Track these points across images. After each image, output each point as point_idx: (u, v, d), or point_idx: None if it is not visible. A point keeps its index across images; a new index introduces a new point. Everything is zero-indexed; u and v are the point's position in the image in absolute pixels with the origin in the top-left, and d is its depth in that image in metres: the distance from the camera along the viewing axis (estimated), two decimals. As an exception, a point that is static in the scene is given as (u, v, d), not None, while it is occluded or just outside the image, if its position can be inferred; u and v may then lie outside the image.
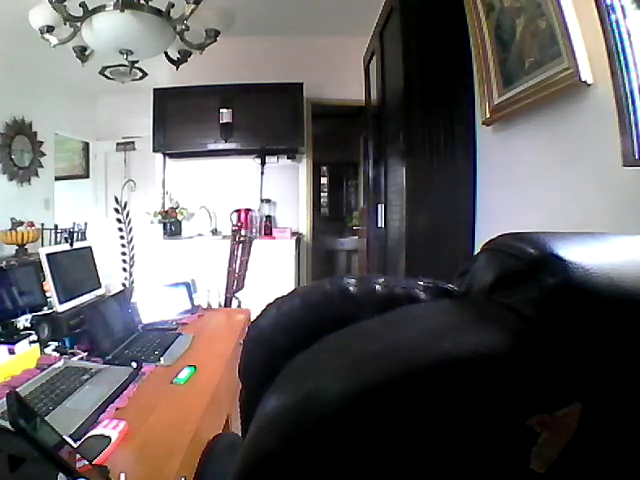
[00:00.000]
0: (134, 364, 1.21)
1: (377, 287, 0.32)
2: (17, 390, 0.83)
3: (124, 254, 2.14)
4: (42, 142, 4.36)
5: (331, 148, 5.67)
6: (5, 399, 0.60)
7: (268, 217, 4.17)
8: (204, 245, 3.89)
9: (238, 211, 4.14)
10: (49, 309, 1.47)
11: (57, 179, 4.83)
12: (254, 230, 4.02)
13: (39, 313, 1.42)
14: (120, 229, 2.15)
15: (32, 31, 1.95)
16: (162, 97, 4.00)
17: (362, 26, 3.02)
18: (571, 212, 1.32)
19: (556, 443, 0.22)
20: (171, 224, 4.09)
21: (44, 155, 4.41)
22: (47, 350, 1.32)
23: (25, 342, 1.25)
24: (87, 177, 5.44)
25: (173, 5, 1.86)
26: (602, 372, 0.22)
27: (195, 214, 4.24)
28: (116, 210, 2.10)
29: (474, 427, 0.22)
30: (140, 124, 4.40)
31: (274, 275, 3.63)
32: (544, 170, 1.48)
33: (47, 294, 1.50)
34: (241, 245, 2.98)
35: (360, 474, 0.23)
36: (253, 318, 0.36)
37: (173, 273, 3.15)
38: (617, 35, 1.03)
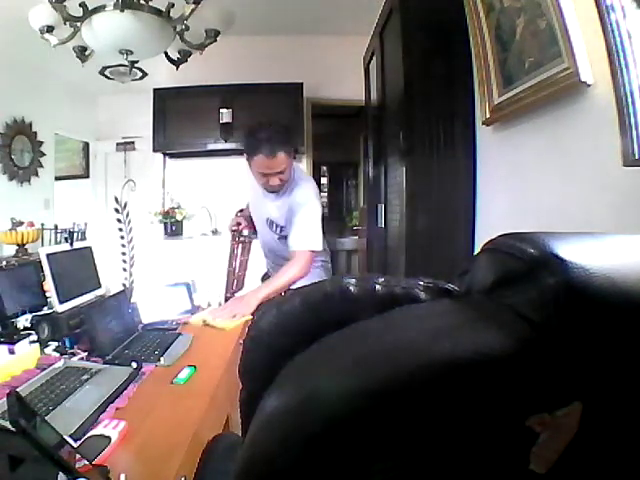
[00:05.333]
0: (134, 364, 1.21)
1: (377, 287, 0.32)
2: (17, 390, 0.83)
3: (124, 254, 2.14)
4: (42, 142, 4.36)
5: (331, 148, 5.67)
6: (5, 399, 0.60)
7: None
8: (204, 245, 3.89)
9: (242, 211, 4.14)
10: (49, 309, 1.47)
11: (57, 179, 4.83)
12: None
13: (39, 313, 1.42)
14: (120, 229, 2.15)
15: (32, 31, 1.95)
16: (162, 97, 4.00)
17: (362, 26, 3.02)
18: (571, 212, 1.32)
19: (556, 443, 0.22)
20: (171, 224, 4.09)
21: (44, 155, 4.41)
22: (47, 350, 1.32)
23: (25, 342, 1.25)
24: (87, 177, 5.44)
25: (173, 5, 1.86)
26: (603, 372, 0.22)
27: (195, 214, 4.24)
28: (116, 210, 2.10)
29: (474, 427, 0.22)
30: (140, 124, 4.39)
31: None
32: (544, 170, 1.48)
33: (47, 294, 1.50)
34: (241, 245, 2.98)
35: (359, 475, 0.23)
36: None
37: (173, 273, 3.15)
38: (617, 35, 1.03)
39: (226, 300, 3.06)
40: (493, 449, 0.23)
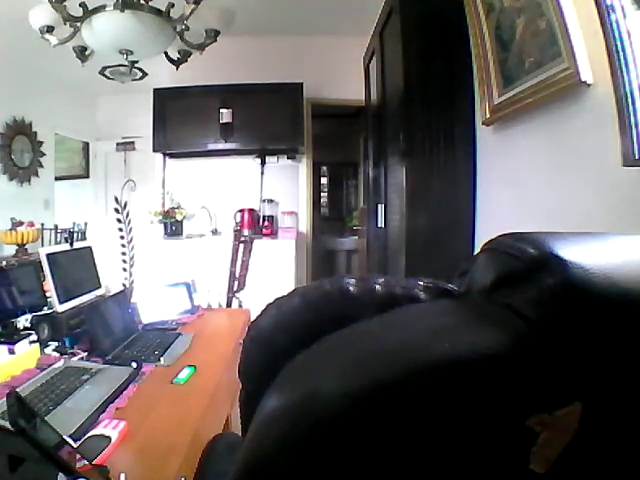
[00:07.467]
0: (134, 364, 1.21)
1: (377, 287, 0.32)
2: (17, 390, 0.83)
3: (124, 254, 2.14)
4: (42, 142, 4.36)
5: (331, 148, 5.66)
6: (5, 399, 0.60)
7: (270, 217, 4.17)
8: (204, 245, 3.89)
9: (242, 211, 4.14)
10: (49, 309, 1.46)
11: (57, 179, 4.83)
12: (258, 230, 4.02)
13: (39, 313, 1.42)
14: (120, 229, 2.14)
15: (32, 31, 1.95)
16: (162, 97, 3.99)
17: (362, 26, 3.02)
18: (571, 212, 1.32)
19: (556, 443, 0.22)
20: (171, 224, 4.09)
21: (44, 155, 4.41)
22: (47, 350, 1.32)
23: (25, 342, 1.25)
24: (87, 177, 5.44)
25: (173, 5, 1.86)
26: (602, 372, 0.22)
27: (196, 214, 4.24)
28: (116, 210, 2.09)
29: (474, 427, 0.22)
30: (140, 124, 4.39)
31: (274, 275, 3.63)
32: (544, 170, 1.48)
33: (47, 294, 1.50)
34: (242, 245, 2.98)
35: (359, 475, 0.23)
36: (253, 318, 0.36)
37: (173, 273, 3.15)
38: (617, 35, 1.03)
39: (228, 300, 3.06)
40: (493, 449, 0.22)
